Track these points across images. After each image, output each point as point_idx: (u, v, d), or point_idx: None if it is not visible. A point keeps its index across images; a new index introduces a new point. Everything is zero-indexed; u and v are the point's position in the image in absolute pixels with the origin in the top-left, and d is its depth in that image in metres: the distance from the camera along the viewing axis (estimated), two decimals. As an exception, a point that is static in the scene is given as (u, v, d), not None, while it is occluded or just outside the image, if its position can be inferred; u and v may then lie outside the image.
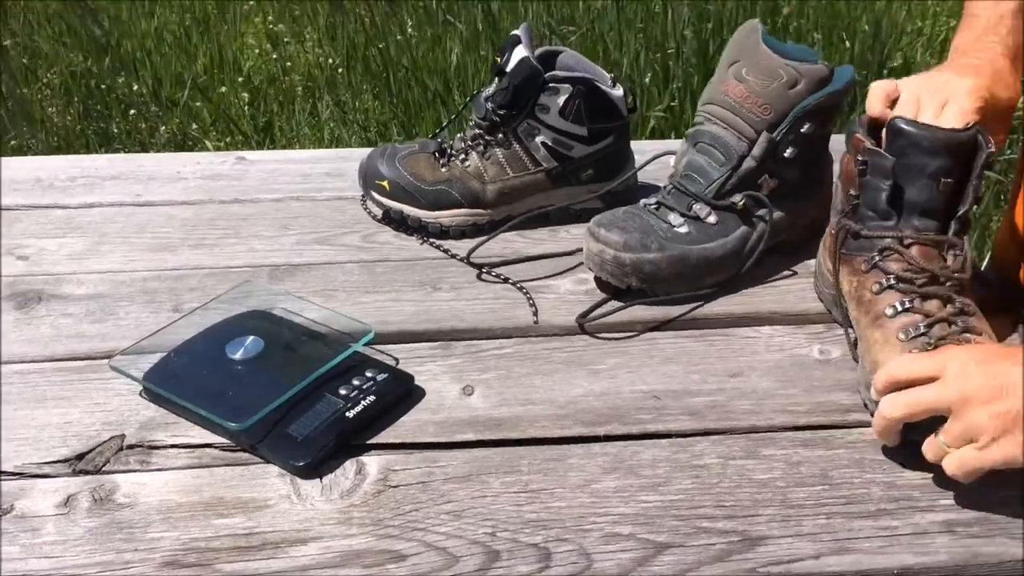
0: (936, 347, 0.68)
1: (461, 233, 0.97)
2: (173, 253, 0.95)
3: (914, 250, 0.72)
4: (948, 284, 0.71)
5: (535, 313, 0.85)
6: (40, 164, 1.16)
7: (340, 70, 2.52)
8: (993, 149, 0.71)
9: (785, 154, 0.84)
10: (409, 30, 2.65)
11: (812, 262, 0.89)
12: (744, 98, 0.84)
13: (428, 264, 0.92)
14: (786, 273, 0.89)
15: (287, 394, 0.71)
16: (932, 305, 0.70)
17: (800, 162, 0.85)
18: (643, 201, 0.89)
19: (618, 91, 0.97)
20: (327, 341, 0.76)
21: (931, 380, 0.63)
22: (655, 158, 0.96)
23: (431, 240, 0.96)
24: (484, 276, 0.91)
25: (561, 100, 0.94)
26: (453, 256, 0.93)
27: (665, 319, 0.83)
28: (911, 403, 0.63)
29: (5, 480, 0.67)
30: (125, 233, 0.98)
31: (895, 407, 0.64)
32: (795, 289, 0.87)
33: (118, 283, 0.90)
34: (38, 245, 0.96)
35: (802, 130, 0.83)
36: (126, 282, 0.90)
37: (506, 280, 0.90)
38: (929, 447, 0.64)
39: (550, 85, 0.94)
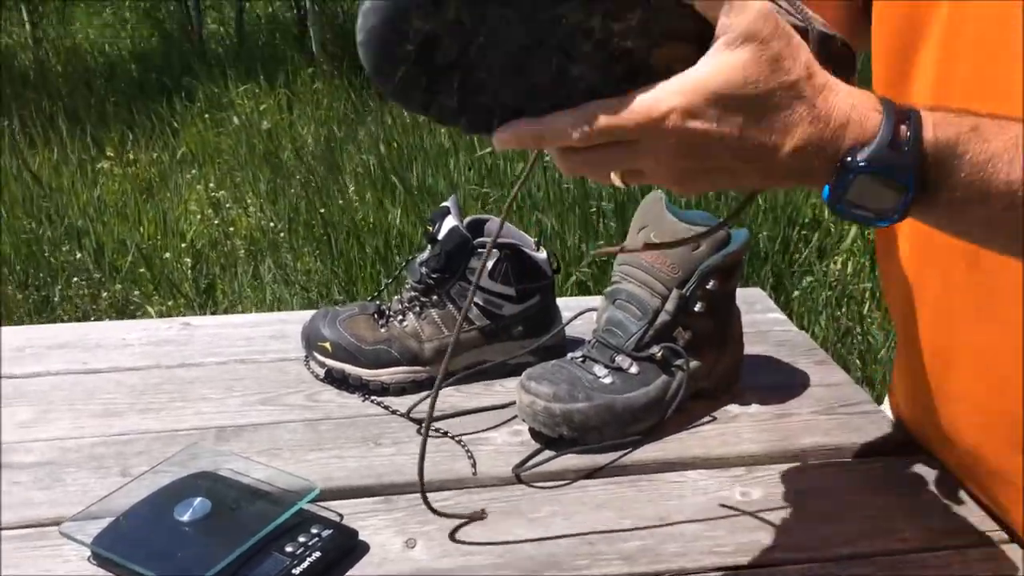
0: None
1: (401, 390, 1.02)
2: (120, 418, 0.97)
3: None
4: None
5: (473, 465, 0.89)
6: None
7: (282, 233, 2.60)
8: None
9: (695, 308, 0.92)
10: (351, 192, 2.77)
11: (731, 407, 0.96)
12: (655, 259, 0.92)
13: (370, 420, 0.97)
14: (706, 419, 0.96)
15: (235, 553, 0.73)
16: None
17: (710, 315, 0.94)
18: (570, 355, 0.95)
19: (542, 254, 1.05)
20: (273, 499, 0.80)
21: None
22: (579, 315, 1.03)
23: (372, 397, 1.01)
24: (421, 432, 0.95)
25: (490, 263, 1.02)
26: (394, 412, 0.98)
27: (596, 466, 0.88)
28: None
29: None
30: (72, 399, 1.01)
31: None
32: (715, 434, 0.93)
33: (66, 450, 0.92)
34: (-15, 416, 0.98)
35: (707, 286, 0.92)
36: (73, 448, 0.92)
37: (445, 434, 0.94)
38: None
39: (479, 250, 1.02)
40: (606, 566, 0.76)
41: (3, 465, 0.89)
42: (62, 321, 2.21)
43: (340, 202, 2.72)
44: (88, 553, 0.76)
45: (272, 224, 2.64)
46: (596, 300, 1.04)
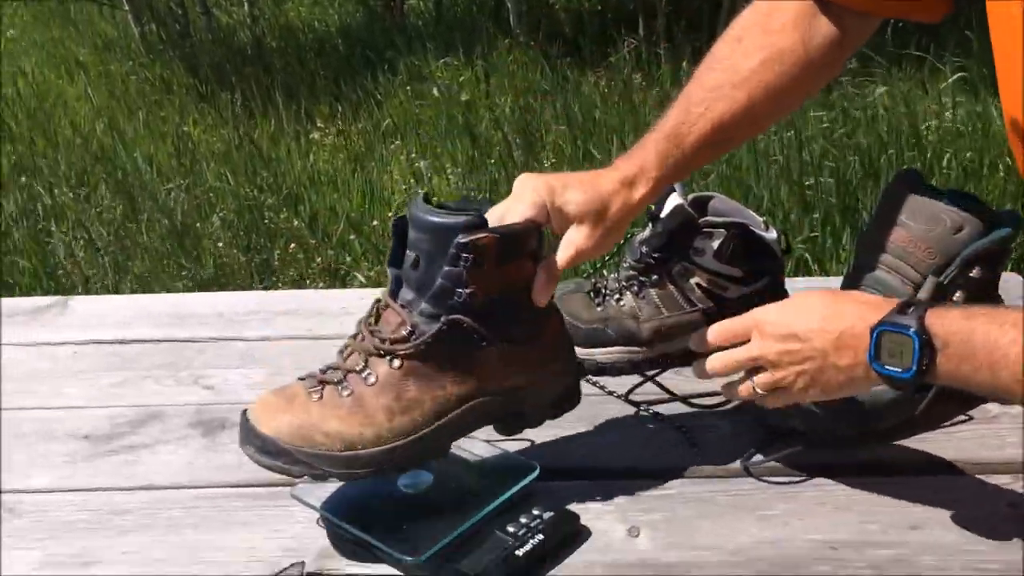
0: None
1: (618, 370, 0.98)
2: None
3: None
4: None
5: (697, 453, 0.84)
6: (218, 299, 1.26)
7: (481, 204, 2.63)
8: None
9: (954, 298, 0.83)
10: (547, 167, 2.75)
11: (990, 406, 0.86)
12: (907, 242, 0.84)
13: (587, 401, 0.93)
14: (961, 418, 0.86)
15: (458, 529, 0.72)
16: None
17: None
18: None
19: (772, 234, 0.98)
20: (494, 478, 0.78)
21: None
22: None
23: (588, 377, 0.98)
24: (643, 414, 0.91)
25: (716, 243, 0.96)
26: (610, 393, 0.95)
27: (834, 463, 0.81)
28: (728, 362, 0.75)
29: (196, 604, 0.71)
30: (299, 364, 1.04)
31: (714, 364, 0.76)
32: (973, 436, 0.84)
33: (294, 413, 0.95)
34: (223, 375, 1.03)
35: (971, 274, 0.82)
36: (301, 413, 0.95)
37: (665, 419, 0.90)
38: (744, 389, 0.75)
39: (705, 229, 0.96)
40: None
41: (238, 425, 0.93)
42: (280, 283, 2.34)
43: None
44: (316, 516, 0.78)
45: (472, 194, 2.68)
46: (826, 282, 0.96)
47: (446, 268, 0.71)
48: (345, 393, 0.73)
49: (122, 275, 2.39)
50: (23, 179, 2.97)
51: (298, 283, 2.36)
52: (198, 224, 2.62)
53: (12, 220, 2.73)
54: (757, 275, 0.98)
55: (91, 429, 0.94)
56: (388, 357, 0.73)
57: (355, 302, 1.17)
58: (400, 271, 0.75)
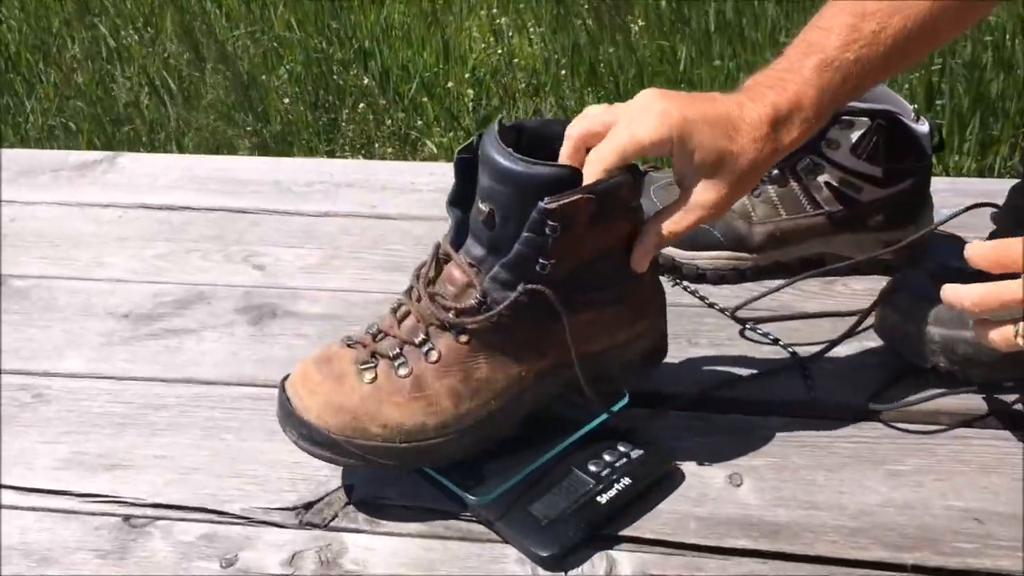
0: None
1: (720, 278, 0.85)
2: (405, 274, 0.88)
3: None
4: None
5: (811, 387, 0.72)
6: (277, 166, 1.15)
7: (564, 71, 2.44)
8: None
9: None
10: (634, 35, 2.53)
11: None
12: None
13: (683, 312, 0.81)
14: None
15: (533, 465, 0.62)
16: None
17: None
18: (955, 262, 0.73)
19: (923, 127, 0.82)
20: (574, 404, 0.67)
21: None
22: (966, 209, 0.80)
23: (685, 284, 0.85)
24: (749, 333, 0.79)
25: (855, 135, 0.80)
26: (711, 306, 0.82)
27: (980, 413, 0.68)
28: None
29: (230, 524, 0.63)
30: (359, 248, 0.93)
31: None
32: None
33: (351, 304, 0.85)
34: (275, 254, 0.93)
35: None
36: (359, 304, 0.85)
37: (775, 341, 0.77)
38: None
39: (843, 118, 0.80)
40: (1003, 557, 0.58)
41: (291, 313, 0.84)
42: (347, 146, 2.22)
43: (626, 41, 2.50)
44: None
45: (556, 57, 2.48)
46: (952, 183, 0.80)
47: (527, 235, 0.57)
48: (402, 372, 0.60)
49: (185, 127, 2.30)
50: (89, 18, 2.87)
51: (366, 147, 2.23)
52: (264, 77, 2.49)
53: (76, 62, 2.64)
54: (899, 176, 0.82)
55: (132, 307, 0.86)
56: (454, 331, 0.60)
57: (424, 177, 1.05)
58: (465, 215, 0.62)
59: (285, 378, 0.63)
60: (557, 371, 0.62)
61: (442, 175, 1.06)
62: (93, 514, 0.64)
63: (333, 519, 0.63)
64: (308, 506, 0.64)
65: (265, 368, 0.77)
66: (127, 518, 0.64)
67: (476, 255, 0.60)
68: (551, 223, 0.56)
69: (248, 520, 0.63)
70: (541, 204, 0.56)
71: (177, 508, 0.64)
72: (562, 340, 0.60)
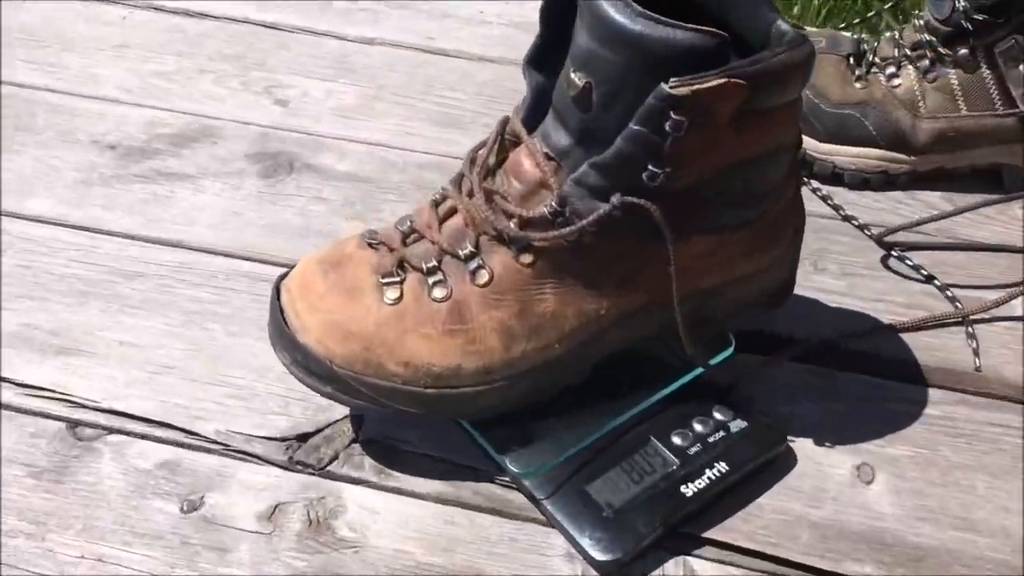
0: None
1: (862, 182, 0.66)
2: (462, 132, 0.71)
3: None
4: None
5: (976, 352, 0.54)
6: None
7: None
8: None
9: None
10: None
11: None
12: None
13: (809, 224, 0.63)
14: None
15: (600, 431, 0.46)
16: None
17: None
18: None
19: None
20: (661, 352, 0.50)
21: None
22: None
23: (815, 186, 0.66)
24: (895, 263, 0.60)
25: (1089, 10, 0.58)
26: (847, 219, 0.63)
27: None
28: None
29: (199, 452, 0.49)
30: (407, 89, 0.75)
31: None
32: None
33: (388, 164, 0.68)
34: (303, 87, 0.75)
35: None
36: (398, 165, 0.68)
37: (929, 279, 0.59)
38: None
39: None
40: None
41: (312, 167, 0.67)
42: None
43: None
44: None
45: None
46: None
47: (637, 128, 0.39)
48: (438, 293, 0.44)
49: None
50: None
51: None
52: None
53: None
54: None
55: (121, 136, 0.69)
56: (514, 246, 0.43)
57: (497, 4, 0.85)
58: (548, 84, 0.43)
59: (283, 276, 0.47)
60: (648, 312, 0.45)
61: (518, 7, 0.86)
62: (32, 413, 0.50)
63: (332, 461, 0.48)
64: (303, 438, 0.49)
65: (272, 237, 0.61)
66: (73, 425, 0.50)
67: (558, 144, 0.42)
68: (676, 116, 0.38)
69: (224, 448, 0.49)
70: (664, 86, 0.37)
71: (137, 419, 0.50)
72: (662, 273, 0.42)
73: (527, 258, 0.43)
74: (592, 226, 0.41)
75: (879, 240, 0.61)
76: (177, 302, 0.57)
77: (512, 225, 0.42)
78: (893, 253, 0.61)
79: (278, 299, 0.45)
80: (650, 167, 0.39)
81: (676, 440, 0.47)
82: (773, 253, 0.48)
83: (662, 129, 0.38)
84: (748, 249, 0.46)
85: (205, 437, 0.49)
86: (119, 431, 0.49)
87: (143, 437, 0.49)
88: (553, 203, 0.41)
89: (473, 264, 0.43)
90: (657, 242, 0.41)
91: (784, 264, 0.49)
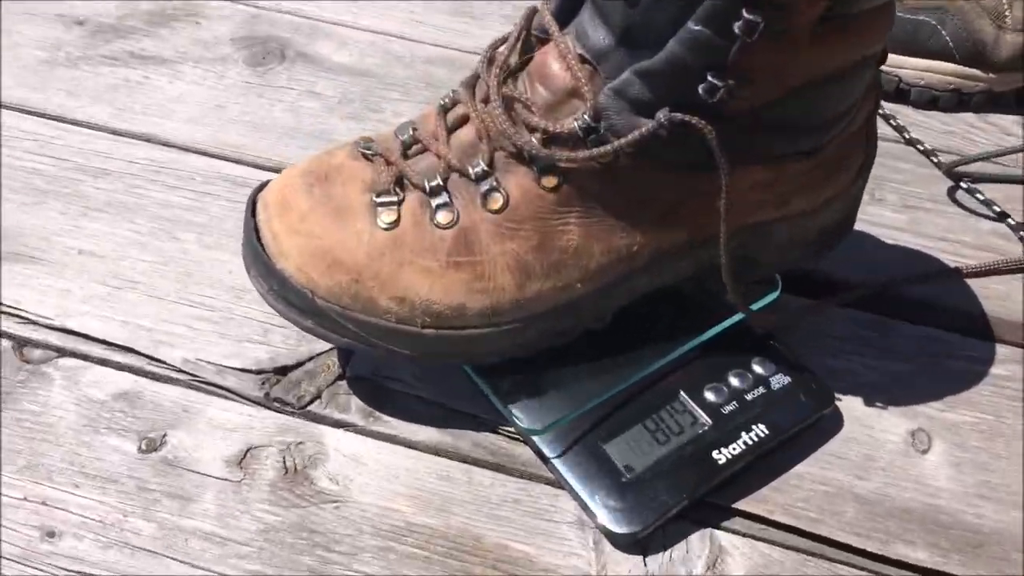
0: None
1: (930, 101, 0.58)
2: (480, 23, 0.63)
3: None
4: None
5: (1053, 305, 0.48)
6: None
7: None
8: None
9: None
10: None
11: None
12: None
13: (868, 148, 0.55)
14: None
15: (625, 383, 0.40)
16: None
17: None
18: None
19: None
20: (696, 294, 0.43)
21: None
22: None
23: (881, 107, 0.58)
24: (964, 197, 0.53)
25: None
26: (911, 143, 0.56)
27: None
28: None
29: (163, 382, 0.43)
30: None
31: None
32: None
33: (394, 56, 0.60)
34: (300, -38, 0.66)
35: None
36: (404, 59, 0.60)
37: (1003, 217, 0.52)
38: None
39: None
40: None
41: (306, 57, 0.59)
42: None
43: None
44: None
45: None
46: None
47: (696, 28, 0.31)
48: (442, 218, 0.36)
49: None
50: None
51: None
52: None
53: None
54: None
55: (91, 11, 0.61)
56: (536, 165, 0.36)
57: None
58: None
59: (261, 188, 0.40)
60: (686, 251, 0.38)
61: None
62: (-24, 328, 0.44)
63: (313, 400, 0.42)
64: (281, 372, 0.43)
65: (258, 137, 0.54)
66: (21, 344, 0.44)
67: (596, 44, 0.34)
68: (749, 16, 0.30)
69: (191, 379, 0.43)
70: None
71: (94, 341, 0.44)
72: (708, 207, 0.35)
73: (550, 181, 0.36)
74: (631, 147, 0.33)
75: (947, 170, 0.54)
76: (146, 206, 0.50)
77: (534, 140, 0.35)
78: (962, 185, 0.53)
79: (253, 215, 0.38)
80: (709, 78, 0.32)
81: (709, 396, 0.40)
82: (835, 188, 0.40)
83: (729, 31, 0.31)
84: (808, 182, 0.39)
85: (170, 365, 0.43)
86: (72, 354, 0.43)
87: (100, 362, 0.43)
88: (586, 116, 0.34)
89: (485, 185, 0.36)
90: (706, 171, 0.34)
91: (849, 200, 0.42)
